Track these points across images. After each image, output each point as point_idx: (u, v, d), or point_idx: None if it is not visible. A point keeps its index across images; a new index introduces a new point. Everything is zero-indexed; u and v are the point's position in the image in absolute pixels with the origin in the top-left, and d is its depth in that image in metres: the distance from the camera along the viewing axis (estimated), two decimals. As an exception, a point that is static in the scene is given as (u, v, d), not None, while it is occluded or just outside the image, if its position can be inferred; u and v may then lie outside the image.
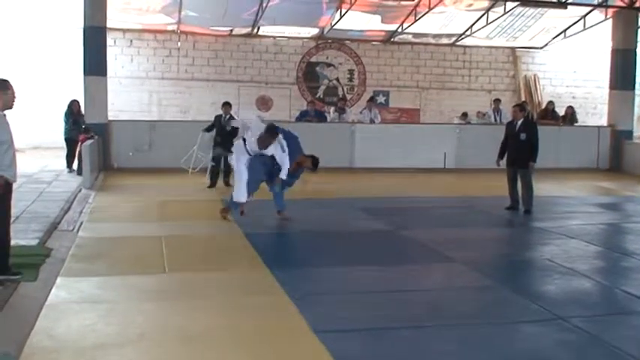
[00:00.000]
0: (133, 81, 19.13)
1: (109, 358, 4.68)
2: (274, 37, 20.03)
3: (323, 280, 6.81)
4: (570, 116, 18.21)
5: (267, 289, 6.33)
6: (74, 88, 15.47)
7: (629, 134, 17.58)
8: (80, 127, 13.95)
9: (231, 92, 19.35)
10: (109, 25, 15.47)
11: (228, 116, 12.73)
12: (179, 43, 19.40)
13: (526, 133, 10.61)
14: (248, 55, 19.96)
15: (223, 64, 19.80)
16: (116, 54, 18.67)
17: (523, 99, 20.47)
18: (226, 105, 12.99)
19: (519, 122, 10.77)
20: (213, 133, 12.99)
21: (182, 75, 19.52)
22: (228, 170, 12.36)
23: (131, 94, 18.92)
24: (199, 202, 11.18)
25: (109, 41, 16.13)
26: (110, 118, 15.18)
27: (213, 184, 12.60)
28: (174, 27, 18.97)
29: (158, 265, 7.07)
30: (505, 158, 10.92)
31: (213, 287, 6.41)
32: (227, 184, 12.51)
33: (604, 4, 17.74)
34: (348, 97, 20.39)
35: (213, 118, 13.17)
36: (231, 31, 19.49)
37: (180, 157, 14.09)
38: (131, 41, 19.22)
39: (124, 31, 18.94)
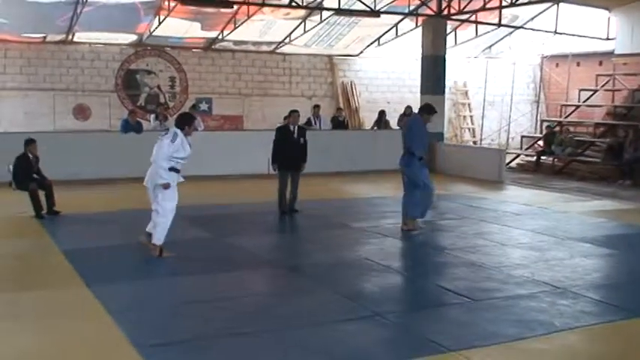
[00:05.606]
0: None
1: None
2: (90, 44, 19.23)
3: (145, 293, 6.67)
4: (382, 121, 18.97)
5: (84, 307, 6.07)
6: None
7: (440, 136, 18.56)
8: None
9: (46, 101, 18.42)
10: None
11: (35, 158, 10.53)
12: (-13, 52, 18.12)
13: (303, 137, 11.14)
14: (63, 62, 19.00)
15: (36, 72, 18.69)
16: None
17: (341, 105, 21.23)
18: (32, 143, 10.58)
19: (295, 127, 11.12)
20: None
21: (-8, 85, 18.24)
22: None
23: None
24: (8, 218, 10.36)
25: None
26: None
27: (40, 214, 10.46)
28: (-17, 35, 17.69)
29: (-38, 289, 6.56)
30: (282, 162, 11.05)
31: (25, 308, 6.05)
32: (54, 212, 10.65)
33: (414, 12, 18.72)
34: (171, 104, 20.02)
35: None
36: (45, 37, 18.49)
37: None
38: None
39: None
